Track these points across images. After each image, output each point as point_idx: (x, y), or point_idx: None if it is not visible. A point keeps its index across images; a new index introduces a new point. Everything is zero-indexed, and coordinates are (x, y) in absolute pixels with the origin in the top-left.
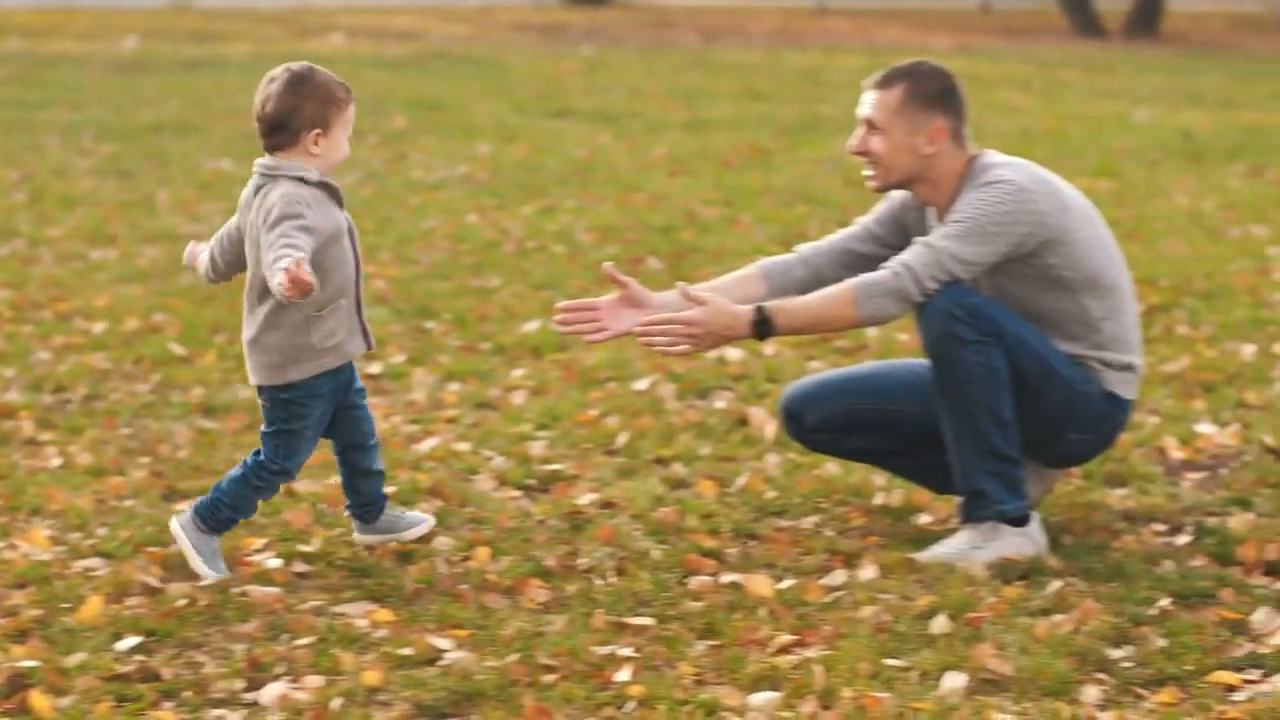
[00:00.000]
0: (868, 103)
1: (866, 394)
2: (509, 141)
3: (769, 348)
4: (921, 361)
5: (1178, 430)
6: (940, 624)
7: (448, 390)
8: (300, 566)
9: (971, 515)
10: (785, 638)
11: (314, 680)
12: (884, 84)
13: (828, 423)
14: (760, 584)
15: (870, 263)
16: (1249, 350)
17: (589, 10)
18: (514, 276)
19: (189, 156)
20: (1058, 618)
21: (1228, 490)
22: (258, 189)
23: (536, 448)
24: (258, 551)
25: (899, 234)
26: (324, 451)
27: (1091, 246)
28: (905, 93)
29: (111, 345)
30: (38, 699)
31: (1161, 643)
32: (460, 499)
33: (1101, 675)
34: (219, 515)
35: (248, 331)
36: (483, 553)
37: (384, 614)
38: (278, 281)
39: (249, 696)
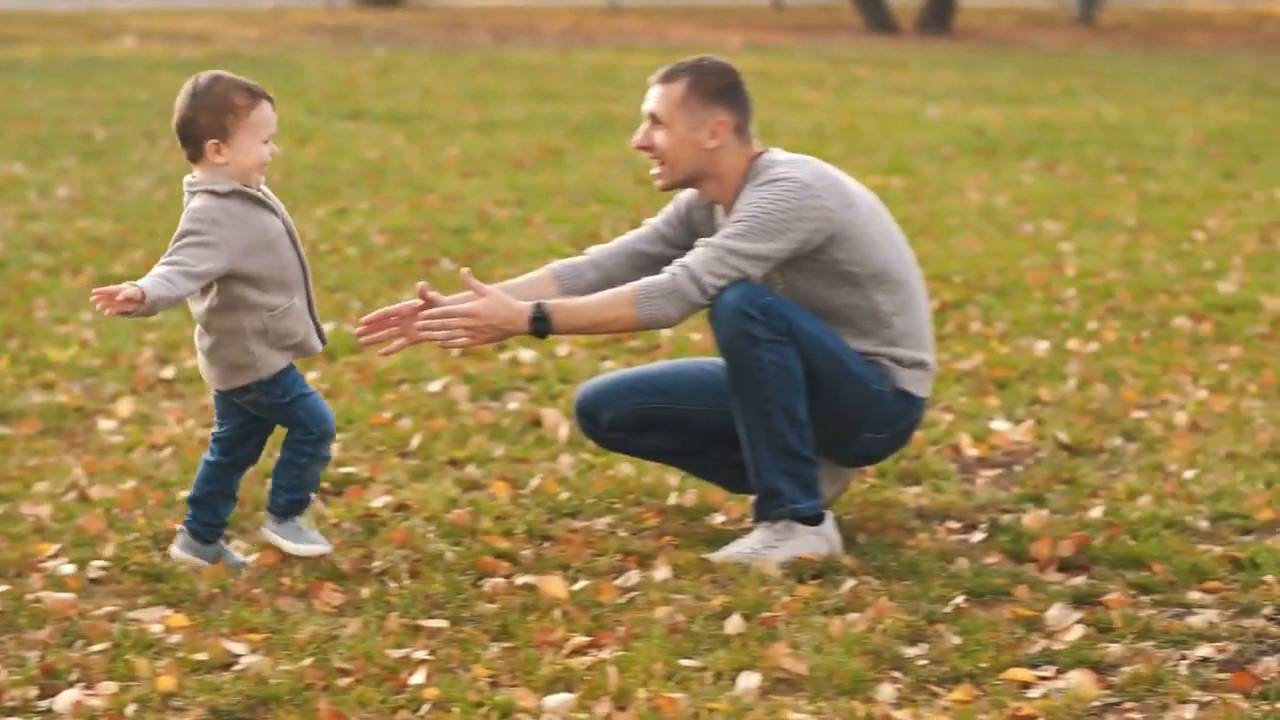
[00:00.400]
0: (652, 98)
1: (659, 393)
2: (302, 143)
3: (562, 348)
4: (715, 360)
5: (972, 427)
6: (735, 624)
7: None
8: (94, 572)
9: (765, 514)
10: (580, 639)
11: (108, 686)
12: (668, 79)
13: (621, 422)
14: (554, 585)
15: (660, 264)
16: (1042, 346)
17: (381, 12)
18: None
19: None
20: (852, 616)
21: (1022, 487)
22: (186, 204)
23: (331, 450)
24: (51, 558)
25: (688, 234)
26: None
27: (878, 241)
28: (688, 87)
29: None
30: None
31: (956, 640)
32: (254, 502)
33: (896, 673)
34: (288, 501)
35: (203, 342)
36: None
37: (178, 619)
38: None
39: (43, 704)
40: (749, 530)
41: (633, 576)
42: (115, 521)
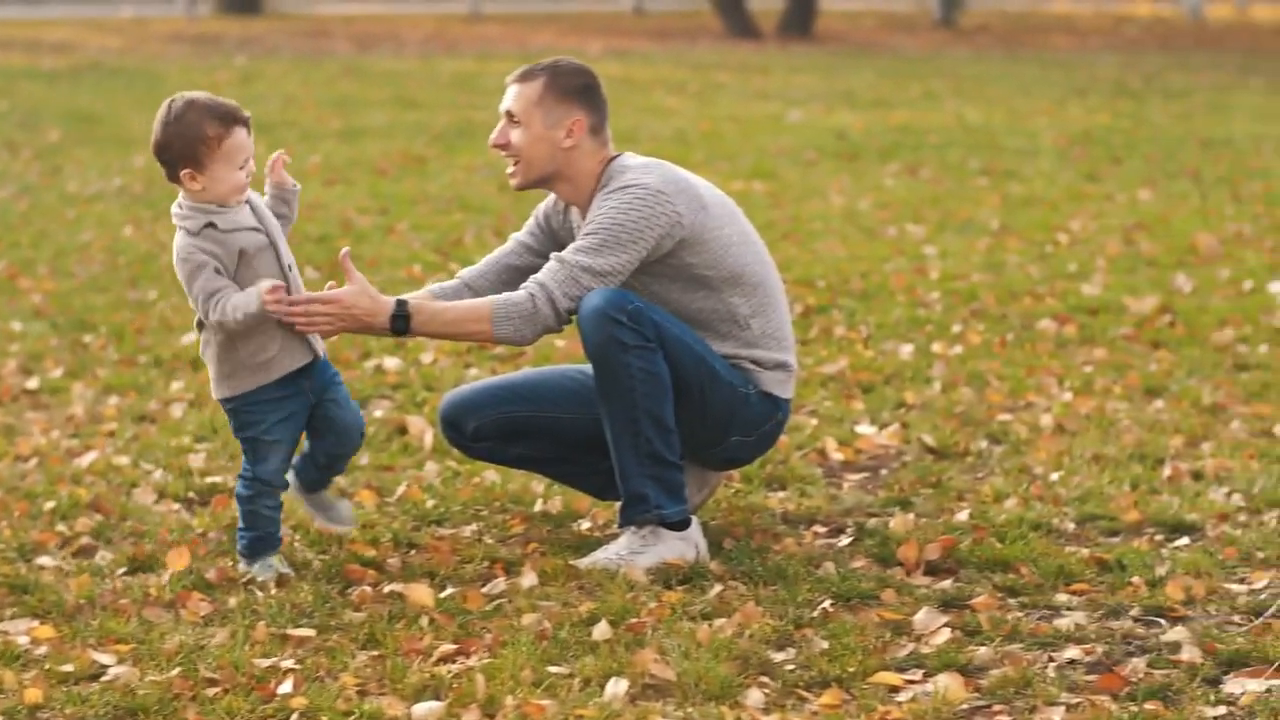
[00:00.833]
0: (509, 96)
1: (524, 401)
2: None
3: (426, 355)
4: (579, 367)
5: (837, 431)
6: (602, 630)
7: (106, 404)
8: None
9: (631, 519)
10: (447, 646)
11: None
12: (525, 77)
13: (486, 430)
14: (421, 593)
15: (530, 274)
16: (907, 350)
17: (243, 20)
18: (171, 289)
19: None
20: (719, 622)
21: (888, 491)
22: None
23: (196, 460)
24: None
25: (551, 241)
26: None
27: (733, 244)
28: (545, 85)
29: None
30: None
31: (824, 645)
32: (121, 513)
33: (765, 678)
34: (244, 542)
35: (201, 348)
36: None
37: (45, 630)
38: (257, 307)
39: None
40: (615, 536)
41: (499, 584)
42: None
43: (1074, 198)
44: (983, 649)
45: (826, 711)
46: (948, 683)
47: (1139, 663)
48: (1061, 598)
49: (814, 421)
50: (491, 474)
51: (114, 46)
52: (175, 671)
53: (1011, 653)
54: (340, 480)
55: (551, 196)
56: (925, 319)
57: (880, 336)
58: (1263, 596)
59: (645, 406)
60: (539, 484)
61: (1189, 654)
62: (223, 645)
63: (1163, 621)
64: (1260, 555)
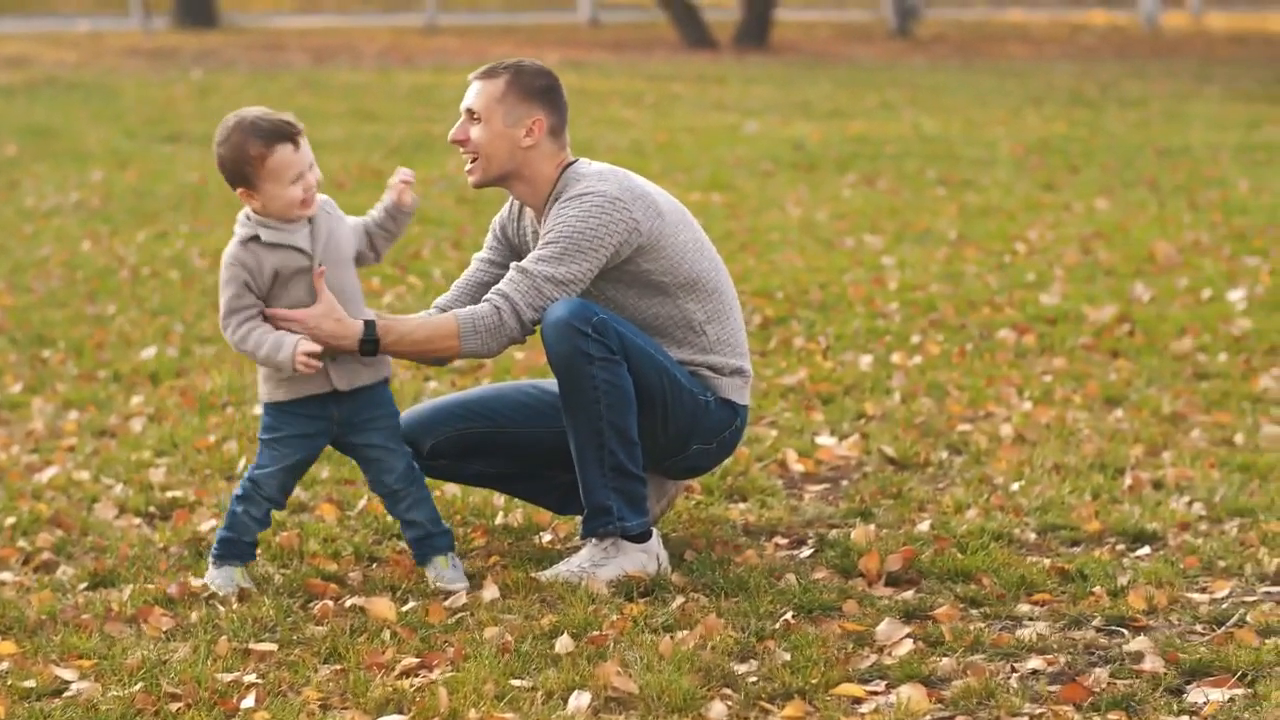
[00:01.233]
0: (471, 93)
1: (479, 417)
2: (121, 167)
3: None
4: (534, 382)
5: (797, 443)
6: (564, 643)
7: (66, 419)
8: None
9: (593, 531)
10: (409, 660)
11: None
12: (488, 75)
13: (443, 449)
14: (383, 607)
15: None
16: (866, 361)
17: (199, 34)
18: (130, 303)
19: None
20: (681, 634)
21: (849, 502)
22: None
23: (156, 474)
24: None
25: (510, 252)
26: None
27: (688, 251)
28: (508, 84)
29: None
30: None
31: (786, 657)
32: (81, 528)
33: (727, 690)
34: (217, 541)
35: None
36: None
37: (7, 646)
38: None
39: None
40: (577, 549)
41: (461, 597)
42: None
43: (1031, 207)
44: (945, 660)
45: None
46: (910, 694)
47: (1102, 673)
48: (1024, 608)
49: (774, 433)
50: (452, 488)
51: (70, 60)
52: (137, 687)
53: (974, 663)
54: (300, 493)
55: (505, 208)
56: (884, 330)
57: (839, 347)
58: (1225, 606)
59: (609, 419)
60: (500, 497)
61: (1152, 664)
62: (185, 660)
63: (1125, 631)
64: (1222, 564)
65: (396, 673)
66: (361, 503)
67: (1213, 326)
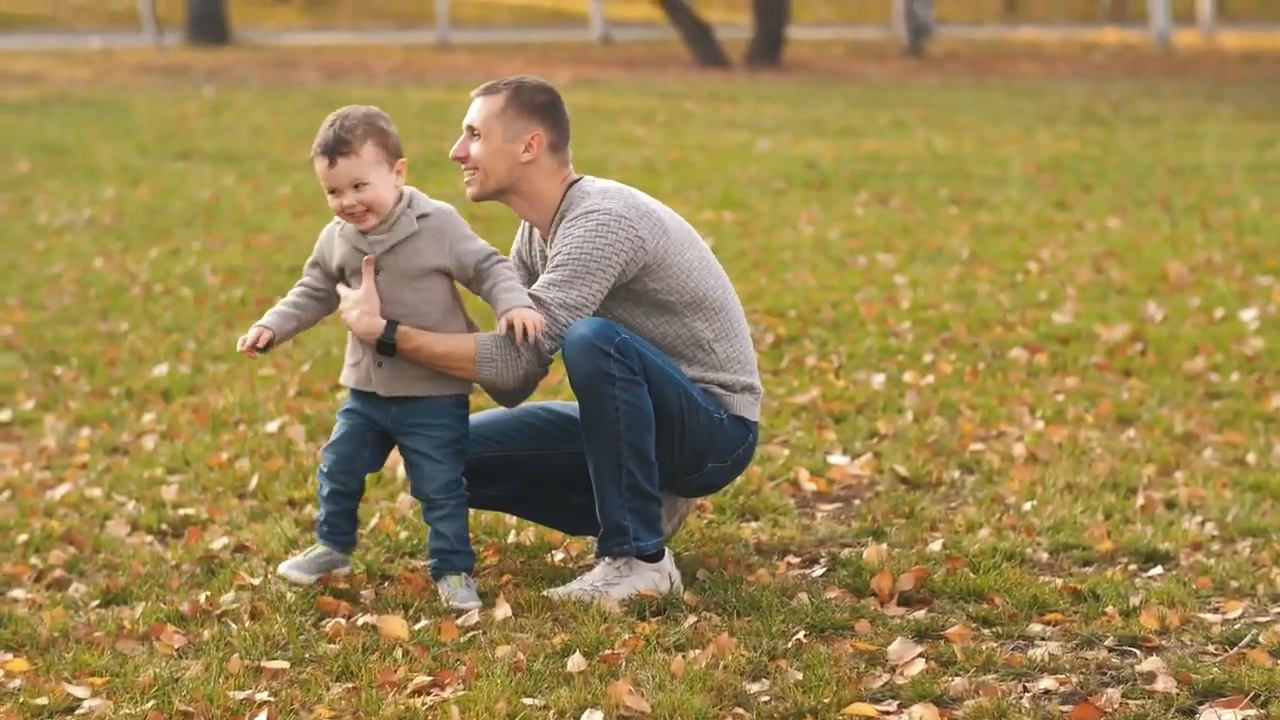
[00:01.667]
0: (472, 110)
1: (489, 443)
2: (133, 184)
3: None
4: (545, 404)
5: (809, 462)
6: (576, 662)
7: (79, 436)
8: None
9: (608, 549)
10: (422, 678)
11: None
12: (488, 91)
13: None
14: (395, 625)
15: None
16: (878, 379)
17: (211, 50)
18: (142, 320)
19: None
20: (694, 653)
21: (861, 521)
22: None
23: (169, 492)
24: None
25: (529, 275)
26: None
27: (694, 269)
28: (507, 100)
29: None
30: None
31: (798, 676)
32: (94, 545)
33: (739, 710)
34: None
35: None
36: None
37: (19, 663)
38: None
39: None
40: (589, 567)
41: (473, 615)
42: None
43: (1044, 226)
44: (957, 680)
45: None
46: (922, 713)
47: (1114, 693)
48: (1036, 628)
49: (786, 452)
50: None
51: (82, 77)
52: (150, 704)
53: (986, 683)
54: (313, 511)
55: (519, 234)
56: (897, 348)
57: (852, 366)
58: (1237, 626)
59: (628, 439)
60: (512, 516)
61: (1164, 684)
62: (197, 678)
63: (1137, 651)
64: (1234, 584)
65: (409, 691)
66: (374, 521)
67: (1225, 346)
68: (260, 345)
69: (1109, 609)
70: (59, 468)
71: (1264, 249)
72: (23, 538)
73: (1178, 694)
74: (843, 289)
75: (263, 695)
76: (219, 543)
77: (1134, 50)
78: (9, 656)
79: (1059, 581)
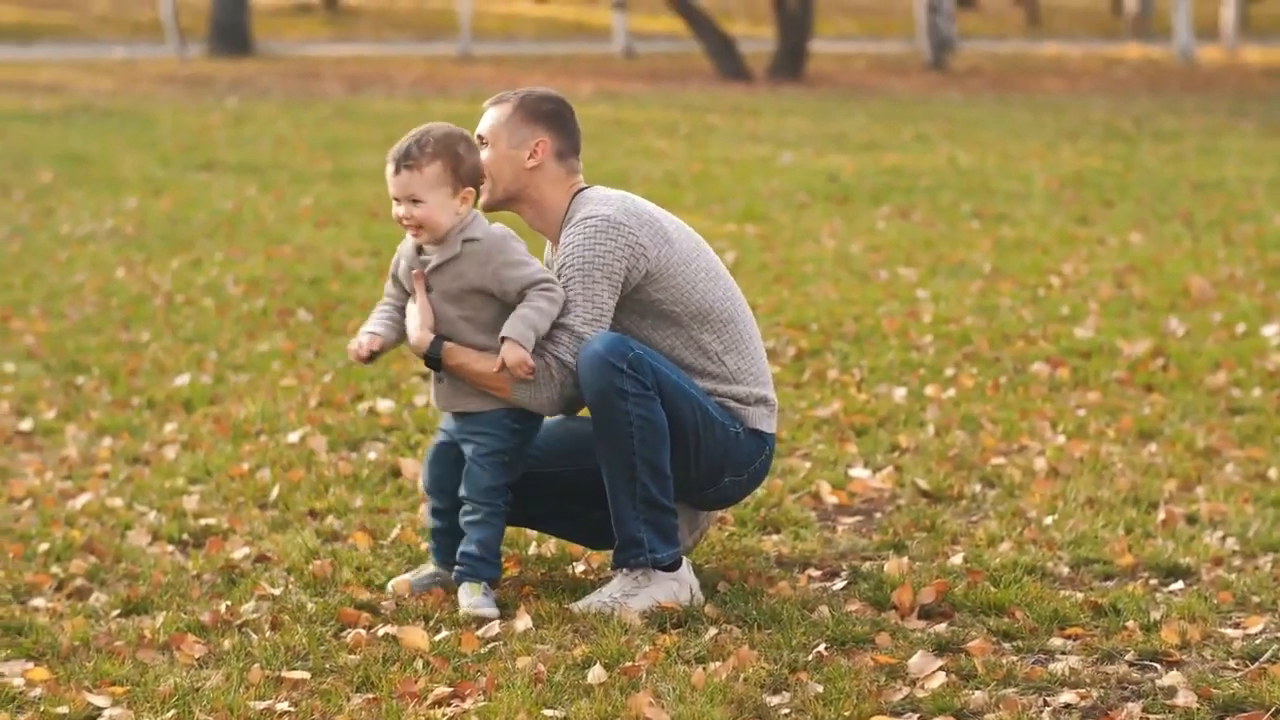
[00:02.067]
0: (482, 121)
1: None
2: (156, 195)
3: (420, 398)
4: (561, 420)
5: (831, 475)
6: (597, 674)
7: (100, 446)
8: None
9: (624, 561)
10: (442, 689)
11: None
12: (497, 102)
13: None
14: (416, 636)
15: None
16: (900, 393)
17: (234, 61)
18: (163, 330)
19: None
20: (714, 665)
21: (882, 534)
22: None
23: (190, 502)
24: None
25: None
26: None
27: (699, 280)
28: (513, 108)
29: None
30: None
31: (818, 689)
32: (115, 555)
33: None
34: None
35: None
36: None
37: (40, 672)
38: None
39: None
40: (609, 579)
41: (494, 626)
42: None
43: (1066, 241)
44: (978, 693)
45: None
46: None
47: (1134, 707)
48: (1056, 642)
49: (808, 465)
50: None
51: (105, 88)
52: (170, 714)
53: (1006, 697)
54: (334, 521)
55: (546, 249)
56: (918, 362)
57: (873, 380)
58: (1258, 641)
59: (642, 453)
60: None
61: (1185, 699)
62: (217, 688)
63: (1158, 666)
64: (1255, 600)
65: (429, 702)
66: (395, 531)
67: (1247, 361)
68: (371, 351)
69: (1130, 623)
70: (80, 477)
71: None
72: (44, 547)
73: (1198, 709)
74: (865, 302)
75: (283, 705)
76: (240, 553)
77: (1157, 65)
78: (30, 665)
79: (1080, 596)
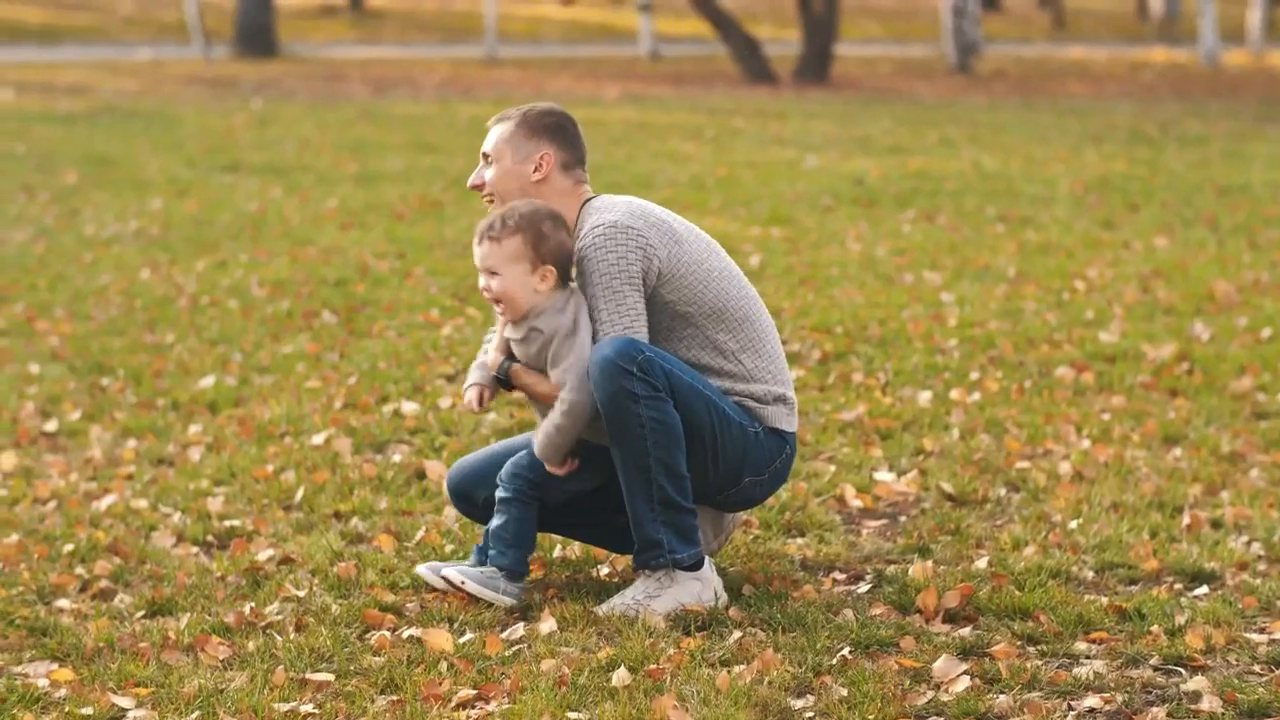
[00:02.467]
0: (487, 138)
1: None
2: (181, 196)
3: (445, 400)
4: None
5: (855, 478)
6: (621, 676)
7: (125, 447)
8: None
9: (645, 563)
10: (466, 692)
11: None
12: (501, 119)
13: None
14: (440, 638)
15: None
16: (925, 397)
17: (259, 63)
18: (188, 332)
19: None
20: (739, 669)
21: (907, 538)
22: None
23: (214, 504)
24: None
25: None
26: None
27: (712, 280)
28: (516, 124)
29: None
30: None
31: (843, 692)
32: (139, 556)
33: None
34: None
35: None
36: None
37: (65, 673)
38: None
39: None
40: (632, 581)
41: (518, 629)
42: None
43: (1091, 245)
44: (1002, 697)
45: None
46: None
47: (1159, 712)
48: (1081, 646)
49: (832, 468)
50: None
51: (130, 89)
52: (194, 715)
53: (1031, 701)
54: (358, 524)
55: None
56: (943, 366)
57: (898, 383)
58: None
59: (657, 455)
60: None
61: (1209, 704)
62: (242, 689)
63: (1182, 671)
64: None
65: (453, 704)
66: (419, 534)
67: (1272, 366)
68: (482, 404)
69: (1154, 628)
70: (105, 478)
71: None
72: (69, 548)
73: (1223, 714)
74: (890, 306)
75: (307, 707)
76: (264, 554)
77: (1182, 69)
78: (54, 666)
79: (1104, 600)
